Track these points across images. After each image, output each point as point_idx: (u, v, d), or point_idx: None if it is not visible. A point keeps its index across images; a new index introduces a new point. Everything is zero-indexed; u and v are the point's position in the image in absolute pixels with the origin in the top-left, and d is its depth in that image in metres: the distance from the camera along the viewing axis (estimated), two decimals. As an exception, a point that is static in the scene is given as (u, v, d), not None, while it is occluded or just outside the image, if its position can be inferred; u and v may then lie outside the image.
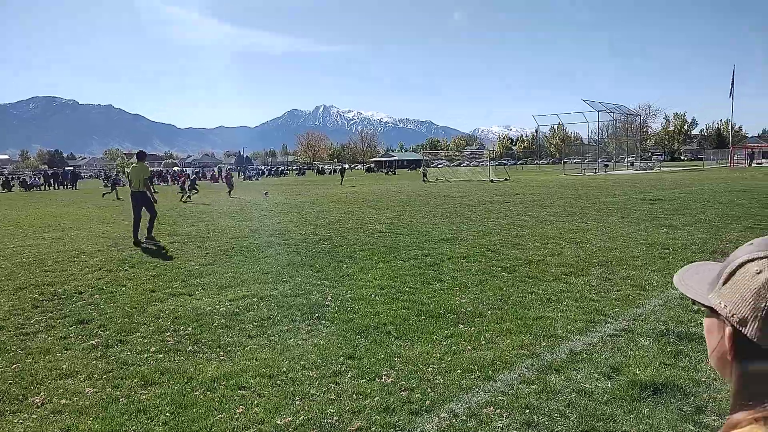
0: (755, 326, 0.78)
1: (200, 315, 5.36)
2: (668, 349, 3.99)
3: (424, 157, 63.85)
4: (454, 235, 10.19)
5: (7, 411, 3.41)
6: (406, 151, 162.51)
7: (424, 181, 37.37)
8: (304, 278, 6.93)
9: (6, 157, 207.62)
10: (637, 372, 3.62)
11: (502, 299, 5.58)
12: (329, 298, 5.88)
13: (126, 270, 7.82)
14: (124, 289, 6.65)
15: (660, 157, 76.47)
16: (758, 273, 0.80)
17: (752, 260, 0.83)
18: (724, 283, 0.85)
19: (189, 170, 66.85)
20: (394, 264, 7.63)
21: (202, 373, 3.87)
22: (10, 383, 3.82)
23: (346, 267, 7.57)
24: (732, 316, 0.81)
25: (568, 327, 4.59)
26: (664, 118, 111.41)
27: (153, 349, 4.44)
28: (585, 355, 3.95)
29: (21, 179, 54.68)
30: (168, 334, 4.83)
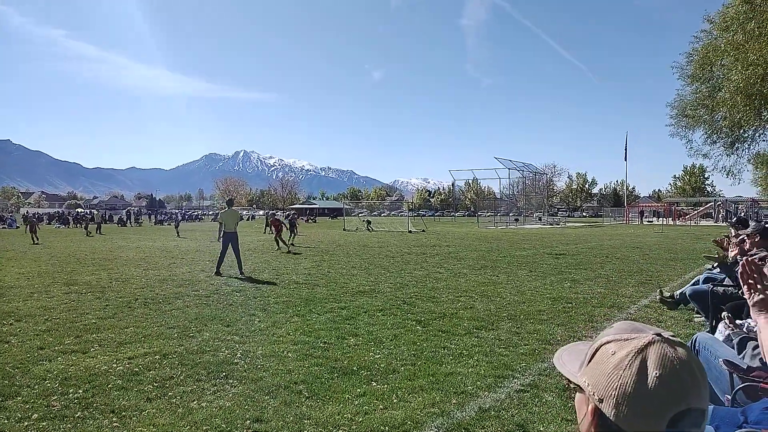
0: (610, 405, 0.85)
1: (94, 375, 4.92)
2: (569, 405, 4.17)
3: (345, 206, 64.31)
4: (372, 287, 10.22)
5: None
6: (327, 199, 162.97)
7: (368, 230, 37.42)
8: (213, 333, 6.61)
9: None
10: (541, 429, 3.74)
11: (416, 354, 5.61)
12: (239, 354, 5.64)
13: (11, 325, 7.08)
14: (6, 346, 6.00)
15: (565, 213, 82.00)
16: (613, 354, 0.89)
17: (610, 342, 0.91)
18: (588, 362, 0.93)
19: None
20: (308, 318, 7.49)
21: (90, 443, 3.53)
22: None
23: (259, 321, 7.33)
24: (593, 394, 0.89)
25: (478, 383, 4.68)
26: (568, 177, 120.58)
27: (35, 416, 4.00)
28: (493, 413, 4.02)
29: None
30: (55, 397, 4.38)
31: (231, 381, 4.79)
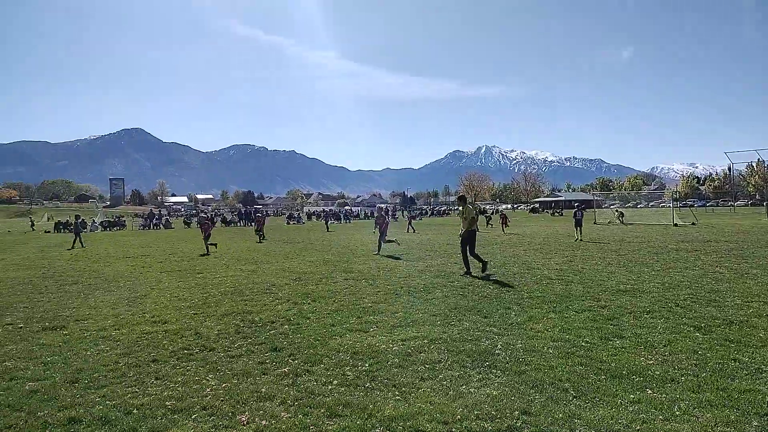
0: None
1: (376, 352, 5.66)
2: None
3: (595, 198, 60.03)
4: (634, 286, 9.38)
5: (220, 425, 3.95)
6: (573, 191, 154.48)
7: (622, 222, 35.07)
8: (472, 323, 6.93)
9: (210, 196, 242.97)
10: None
11: (698, 364, 4.97)
12: (499, 346, 5.80)
13: (309, 304, 8.58)
14: (308, 321, 7.30)
15: None
16: None
17: None
18: None
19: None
20: (566, 315, 7.26)
21: (380, 410, 4.08)
22: (222, 401, 4.42)
23: (515, 315, 7.40)
24: None
25: (788, 406, 3.92)
26: None
27: (335, 381, 4.80)
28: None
29: (222, 216, 63.50)
30: (348, 368, 5.18)
31: (494, 371, 4.97)
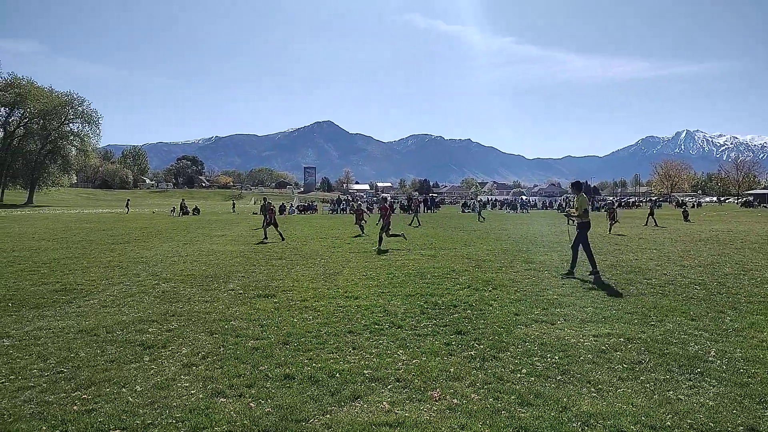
0: None
1: (566, 346, 5.41)
2: None
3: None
4: None
5: (413, 398, 4.14)
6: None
7: None
8: (676, 325, 6.23)
9: (389, 184, 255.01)
10: None
11: None
12: (712, 353, 5.12)
13: (490, 291, 8.53)
14: (490, 308, 7.26)
15: None
16: None
17: None
18: None
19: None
20: (802, 325, 6.12)
21: (575, 405, 3.89)
22: (413, 375, 4.63)
23: (730, 320, 6.47)
24: None
25: None
26: None
27: (524, 370, 4.70)
28: None
29: (400, 203, 66.20)
30: (536, 359, 5.03)
31: (708, 379, 4.41)
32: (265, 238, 18.93)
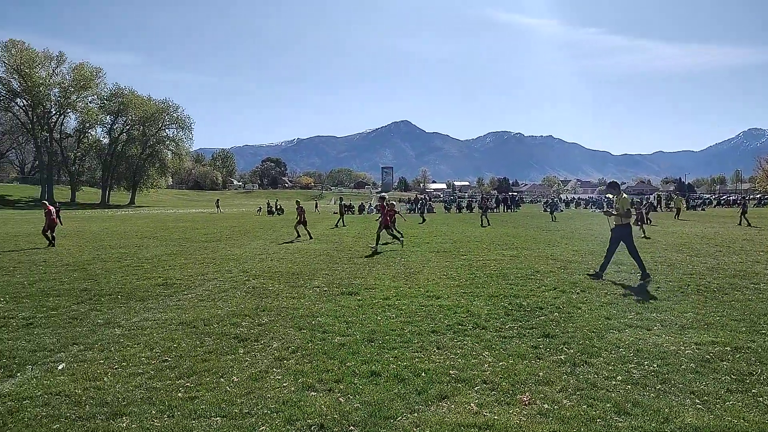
0: None
1: (664, 353, 5.09)
2: None
3: None
4: None
5: (502, 401, 4.07)
6: None
7: None
8: (792, 335, 5.68)
9: (466, 183, 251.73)
10: None
11: None
12: (838, 368, 4.62)
13: (578, 293, 8.20)
14: (579, 311, 6.98)
15: None
16: None
17: None
18: None
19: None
20: None
21: (678, 416, 3.66)
22: (500, 377, 4.55)
23: None
24: None
25: None
26: None
27: (619, 378, 4.48)
28: None
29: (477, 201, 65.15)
30: (632, 366, 4.78)
31: (834, 396, 3.98)
32: (298, 236, 19.56)
